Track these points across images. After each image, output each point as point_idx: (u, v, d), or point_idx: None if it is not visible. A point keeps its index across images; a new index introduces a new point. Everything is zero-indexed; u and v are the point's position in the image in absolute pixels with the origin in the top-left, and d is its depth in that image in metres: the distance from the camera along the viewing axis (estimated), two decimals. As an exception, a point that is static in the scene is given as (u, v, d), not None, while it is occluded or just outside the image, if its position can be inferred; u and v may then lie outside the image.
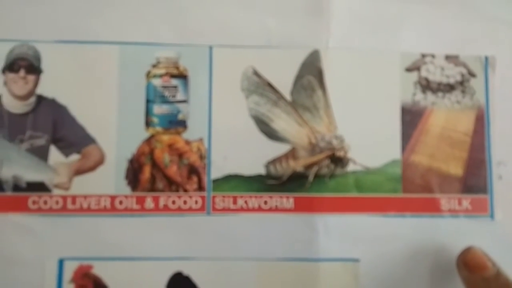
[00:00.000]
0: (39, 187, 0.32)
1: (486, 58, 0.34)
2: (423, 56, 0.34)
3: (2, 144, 0.32)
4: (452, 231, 0.33)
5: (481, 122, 0.34)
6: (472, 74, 0.34)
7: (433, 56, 0.34)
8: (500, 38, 0.34)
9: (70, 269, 0.32)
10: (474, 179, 0.33)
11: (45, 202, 0.32)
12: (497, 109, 0.34)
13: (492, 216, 0.33)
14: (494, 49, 0.34)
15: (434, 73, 0.34)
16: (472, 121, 0.34)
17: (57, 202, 0.32)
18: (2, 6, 0.33)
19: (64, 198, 0.32)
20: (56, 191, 0.32)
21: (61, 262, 0.32)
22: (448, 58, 0.34)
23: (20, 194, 0.32)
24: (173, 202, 0.32)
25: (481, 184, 0.33)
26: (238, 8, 0.33)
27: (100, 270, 0.32)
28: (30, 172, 0.32)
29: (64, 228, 0.32)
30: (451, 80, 0.34)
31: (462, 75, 0.34)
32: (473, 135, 0.34)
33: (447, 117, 0.34)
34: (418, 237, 0.33)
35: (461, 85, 0.34)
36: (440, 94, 0.34)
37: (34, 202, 0.32)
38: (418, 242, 0.33)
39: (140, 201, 0.32)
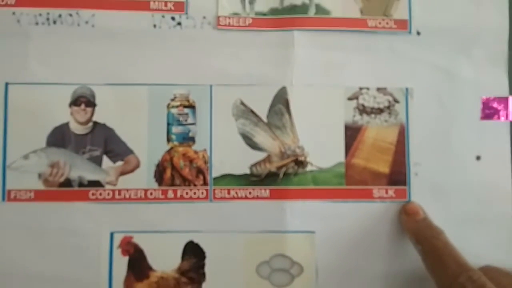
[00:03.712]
0: (96, 184, 0.41)
1: (407, 89, 0.42)
2: (361, 88, 0.42)
3: (71, 155, 0.41)
4: (381, 212, 0.41)
5: (402, 135, 0.42)
6: (396, 101, 0.42)
7: (368, 88, 0.42)
8: (417, 73, 0.42)
9: (117, 239, 0.40)
10: (397, 175, 0.42)
11: (100, 194, 0.41)
12: (414, 125, 0.42)
13: (409, 201, 0.42)
14: (412, 82, 0.42)
15: (368, 100, 0.42)
16: (396, 134, 0.42)
17: (108, 194, 0.41)
18: (69, 60, 0.41)
19: (113, 191, 0.41)
20: (107, 186, 0.41)
21: (112, 235, 0.40)
22: (379, 89, 0.42)
23: (83, 189, 0.41)
24: (186, 193, 0.41)
25: (402, 179, 0.42)
26: (230, 59, 0.42)
27: (138, 239, 0.41)
28: (89, 174, 0.41)
29: (113, 211, 0.41)
30: (381, 105, 0.42)
31: (389, 102, 0.42)
32: (397, 144, 0.42)
33: (377, 132, 0.42)
34: (357, 217, 0.41)
35: (388, 108, 0.42)
36: (373, 115, 0.42)
37: (93, 194, 0.41)
38: (357, 220, 0.41)
39: (164, 192, 0.41)
